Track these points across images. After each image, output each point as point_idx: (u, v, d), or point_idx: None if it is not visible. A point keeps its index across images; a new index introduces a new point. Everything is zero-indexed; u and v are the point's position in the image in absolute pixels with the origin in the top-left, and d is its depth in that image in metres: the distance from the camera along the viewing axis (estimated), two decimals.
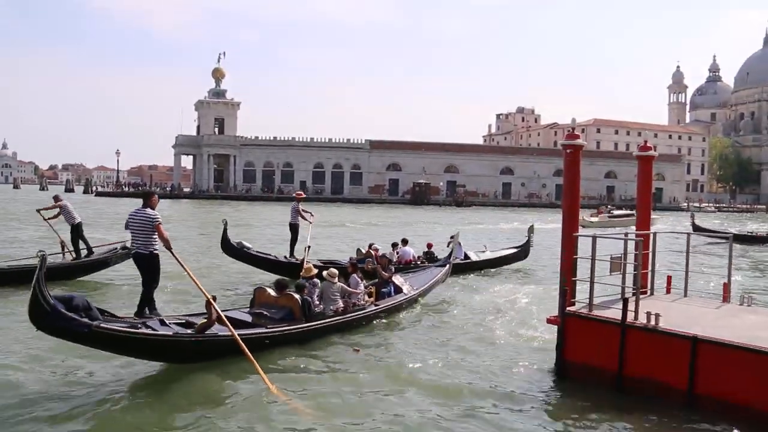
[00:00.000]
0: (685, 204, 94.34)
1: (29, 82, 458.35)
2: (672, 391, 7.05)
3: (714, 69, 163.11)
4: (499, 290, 14.53)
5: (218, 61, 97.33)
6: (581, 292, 8.56)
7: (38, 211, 15.19)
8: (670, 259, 14.95)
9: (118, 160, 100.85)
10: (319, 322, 9.42)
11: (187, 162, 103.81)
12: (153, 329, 7.79)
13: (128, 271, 15.22)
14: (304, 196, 18.53)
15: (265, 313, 9.14)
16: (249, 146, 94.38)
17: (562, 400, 7.57)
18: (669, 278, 9.97)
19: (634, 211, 10.94)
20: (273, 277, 12.77)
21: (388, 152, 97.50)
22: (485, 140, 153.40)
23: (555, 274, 9.53)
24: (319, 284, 10.21)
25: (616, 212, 49.10)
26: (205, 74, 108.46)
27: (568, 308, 8.19)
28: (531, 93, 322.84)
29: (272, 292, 9.45)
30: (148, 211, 9.11)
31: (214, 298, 8.06)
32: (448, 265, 14.14)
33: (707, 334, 7.01)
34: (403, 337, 10.05)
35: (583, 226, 40.43)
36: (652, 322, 7.38)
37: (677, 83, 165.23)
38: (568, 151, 9.01)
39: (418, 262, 16.24)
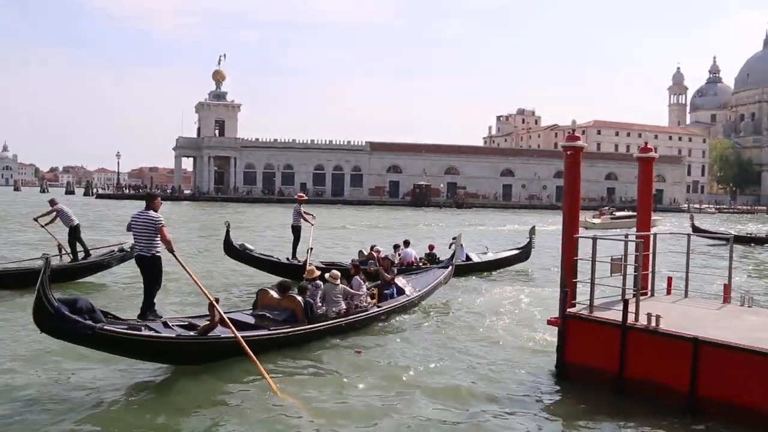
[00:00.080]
0: (686, 205, 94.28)
1: (29, 84, 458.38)
2: (673, 393, 7.05)
3: (714, 70, 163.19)
4: (501, 292, 14.56)
5: (219, 64, 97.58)
6: (582, 293, 8.59)
7: (35, 219, 15.12)
8: (670, 260, 14.98)
9: (118, 162, 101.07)
10: (321, 323, 9.44)
11: (187, 164, 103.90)
12: (156, 331, 7.81)
13: (126, 272, 15.33)
14: (306, 198, 18.58)
15: (267, 315, 9.17)
16: (249, 148, 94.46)
17: (562, 401, 7.59)
18: (669, 279, 9.98)
19: (635, 213, 10.96)
20: (275, 279, 12.80)
21: (389, 154, 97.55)
22: (485, 142, 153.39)
23: (556, 275, 9.56)
24: (322, 286, 10.23)
25: (618, 214, 49.17)
26: (206, 76, 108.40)
27: (568, 310, 8.20)
28: (531, 94, 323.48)
29: (275, 294, 9.48)
30: (151, 213, 9.13)
31: (217, 300, 8.09)
32: (450, 267, 14.16)
33: (708, 335, 7.01)
34: (405, 339, 10.08)
35: (586, 228, 40.60)
36: (653, 324, 7.39)
37: (677, 84, 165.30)
38: (568, 152, 9.03)
39: (420, 264, 16.29)
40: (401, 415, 6.89)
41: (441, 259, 16.62)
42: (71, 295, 7.51)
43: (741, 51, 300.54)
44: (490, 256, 18.81)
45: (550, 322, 8.77)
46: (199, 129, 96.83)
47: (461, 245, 15.97)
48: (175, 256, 8.72)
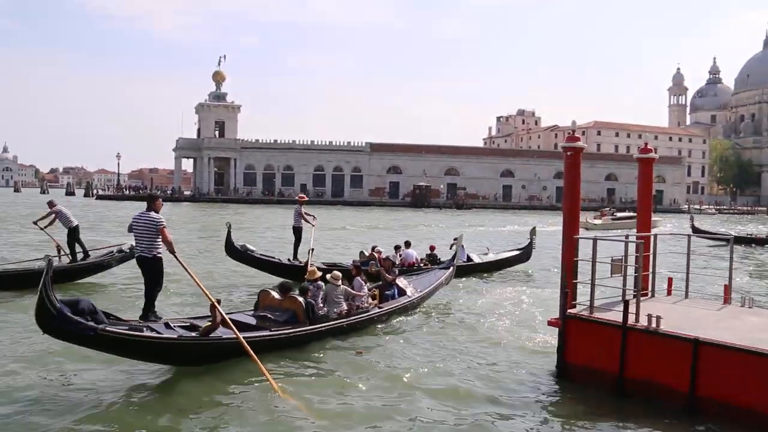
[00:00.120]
0: (686, 206, 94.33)
1: (29, 85, 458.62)
2: (673, 394, 7.05)
3: (714, 71, 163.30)
4: (502, 292, 14.58)
5: (219, 65, 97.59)
6: (582, 294, 8.60)
7: (35, 222, 15.11)
8: (670, 261, 14.99)
9: (118, 164, 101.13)
10: (322, 324, 9.46)
11: (187, 165, 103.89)
12: (158, 332, 7.83)
13: (125, 273, 15.36)
14: (307, 199, 18.61)
15: (269, 315, 9.19)
16: (249, 149, 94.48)
17: (562, 402, 7.60)
18: (670, 280, 9.99)
19: (636, 214, 10.97)
20: (276, 280, 12.82)
21: (389, 155, 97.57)
22: (485, 143, 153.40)
23: (557, 276, 9.58)
24: (323, 287, 10.25)
25: (620, 214, 49.25)
26: (206, 77, 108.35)
27: (568, 310, 8.21)
28: (531, 95, 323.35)
29: (276, 295, 9.50)
30: (153, 214, 9.13)
31: (219, 302, 8.11)
32: (452, 268, 14.18)
33: (709, 336, 7.02)
34: (407, 339, 10.10)
35: (587, 228, 40.67)
36: (653, 325, 7.39)
37: (677, 85, 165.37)
38: (568, 153, 9.04)
39: (421, 264, 16.31)
40: (402, 416, 6.91)
41: (442, 259, 16.64)
42: (73, 297, 7.51)
43: (741, 52, 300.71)
44: (491, 257, 18.83)
45: (550, 323, 8.78)
46: (199, 130, 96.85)
47: (462, 246, 15.98)
48: (176, 257, 8.73)
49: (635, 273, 8.31)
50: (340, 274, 10.50)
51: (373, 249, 15.63)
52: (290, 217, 17.42)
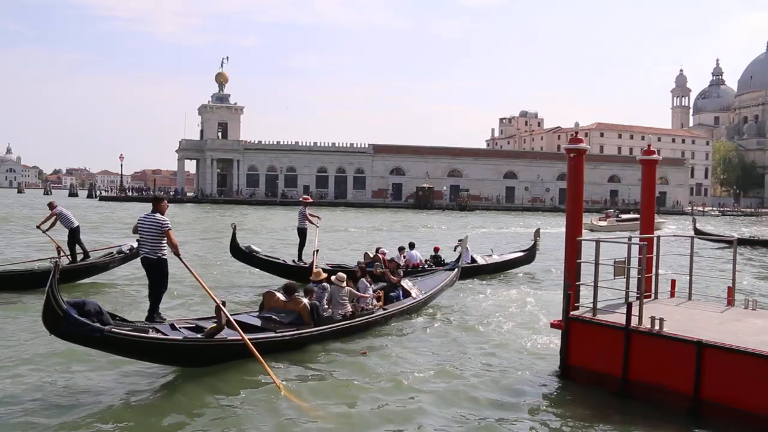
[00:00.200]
0: (689, 208, 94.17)
1: (33, 86, 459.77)
2: (677, 397, 7.04)
3: (717, 72, 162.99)
4: (506, 294, 14.58)
5: (221, 66, 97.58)
6: (586, 296, 8.61)
7: (38, 227, 15.13)
8: (673, 263, 15.02)
9: (121, 165, 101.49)
10: (327, 326, 9.50)
11: (190, 166, 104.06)
12: (163, 334, 7.88)
13: (125, 273, 15.42)
14: (311, 200, 18.63)
15: (274, 317, 9.22)
16: (252, 151, 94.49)
17: (566, 404, 7.61)
18: (673, 282, 9.98)
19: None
20: (281, 281, 12.86)
21: (392, 156, 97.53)
22: (488, 144, 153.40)
23: (561, 277, 9.59)
24: (329, 288, 10.27)
25: (624, 216, 49.26)
26: (209, 79, 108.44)
27: (571, 312, 8.22)
28: (534, 97, 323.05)
29: (281, 297, 9.53)
30: (158, 216, 9.16)
31: (224, 303, 8.16)
32: (456, 269, 14.20)
33: (712, 338, 7.01)
34: (411, 341, 10.13)
35: (592, 230, 40.73)
36: (657, 327, 7.38)
37: (680, 87, 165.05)
38: (571, 155, 9.05)
39: (426, 266, 16.33)
40: (406, 417, 6.95)
41: (446, 261, 16.66)
42: (79, 298, 7.56)
43: (744, 53, 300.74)
44: (495, 259, 18.82)
45: (553, 325, 8.79)
46: (202, 131, 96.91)
47: (467, 247, 15.99)
48: (181, 259, 8.75)
49: (638, 275, 8.29)
50: (344, 276, 10.52)
51: (377, 250, 15.65)
52: (294, 218, 17.49)
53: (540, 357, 9.29)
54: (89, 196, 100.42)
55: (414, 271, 15.27)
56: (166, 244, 9.16)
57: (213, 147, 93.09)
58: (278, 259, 15.94)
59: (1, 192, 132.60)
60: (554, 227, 38.66)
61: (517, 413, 7.21)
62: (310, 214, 16.86)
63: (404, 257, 16.21)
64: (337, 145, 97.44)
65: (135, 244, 14.45)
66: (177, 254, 8.85)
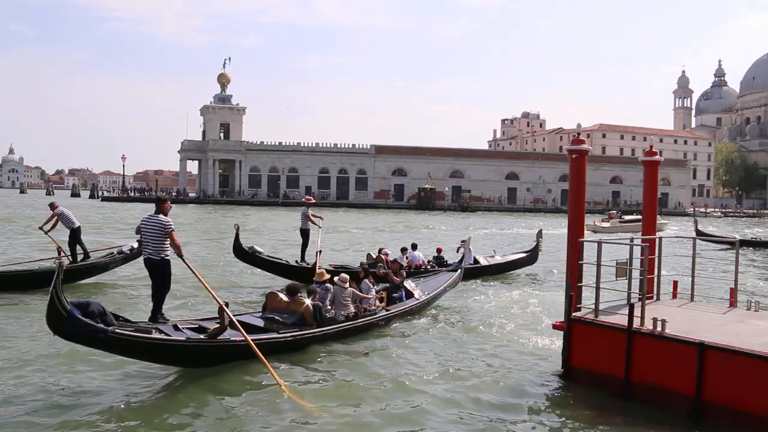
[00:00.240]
0: (691, 209, 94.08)
1: (35, 87, 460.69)
2: (679, 398, 7.04)
3: (720, 74, 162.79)
4: (508, 295, 14.60)
5: (224, 67, 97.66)
6: (588, 298, 8.62)
7: (41, 228, 15.15)
8: (675, 264, 15.03)
9: (123, 165, 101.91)
10: (330, 327, 9.52)
11: (192, 167, 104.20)
12: (166, 334, 7.91)
13: (125, 273, 15.46)
14: (314, 201, 18.66)
15: (277, 318, 9.25)
16: (254, 151, 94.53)
17: (568, 405, 7.62)
18: (675, 283, 9.98)
19: None
20: (284, 282, 12.89)
21: (394, 157, 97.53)
22: (490, 145, 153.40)
23: (563, 278, 9.60)
24: (332, 289, 10.29)
25: (627, 217, 49.32)
26: (211, 79, 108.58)
27: (573, 314, 8.23)
28: (536, 98, 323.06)
29: (284, 298, 9.55)
30: (161, 217, 9.18)
31: (227, 304, 8.18)
32: (459, 270, 14.21)
33: (714, 339, 7.00)
34: (413, 341, 10.14)
35: (595, 231, 40.78)
36: (659, 328, 7.38)
37: (683, 88, 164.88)
38: (573, 156, 9.05)
39: (428, 267, 16.34)
40: (409, 417, 6.97)
41: (448, 261, 16.68)
42: (83, 299, 7.59)
43: (747, 54, 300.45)
44: (498, 260, 18.82)
45: (555, 327, 8.80)
46: (204, 132, 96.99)
47: (470, 248, 16.01)
48: (184, 260, 8.79)
49: (640, 276, 8.28)
50: (347, 277, 10.54)
51: (380, 251, 15.68)
52: (296, 219, 17.54)
53: (542, 358, 9.31)
54: (91, 196, 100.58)
55: (417, 271, 15.29)
56: (169, 245, 9.18)
57: (215, 147, 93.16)
58: (281, 259, 15.97)
59: (3, 192, 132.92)
60: (556, 228, 38.66)
61: (519, 414, 7.22)
62: (312, 215, 16.90)
63: (407, 258, 16.23)
64: (339, 145, 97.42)
65: (135, 245, 14.52)
66: (180, 255, 8.88)
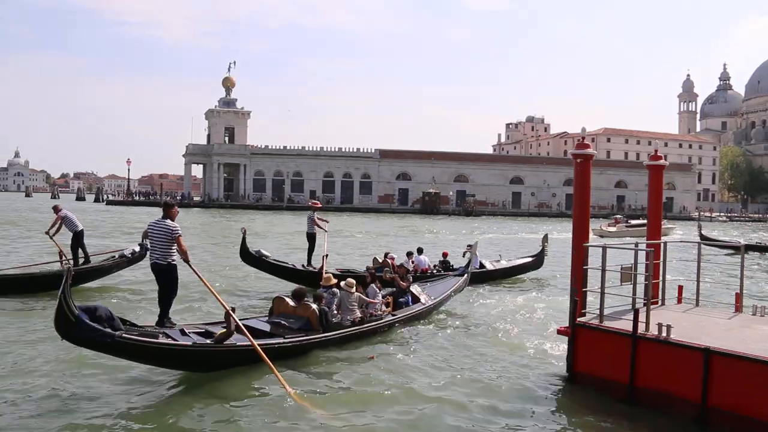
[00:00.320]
0: (696, 213, 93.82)
1: (41, 91, 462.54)
2: (685, 404, 7.02)
3: (724, 77, 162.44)
4: (514, 300, 14.60)
5: (229, 71, 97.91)
6: (593, 303, 8.62)
7: (47, 233, 15.18)
8: (680, 269, 15.00)
9: (128, 169, 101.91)
10: (336, 332, 9.55)
11: (197, 171, 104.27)
12: (173, 339, 7.96)
13: (128, 277, 15.50)
14: (320, 205, 18.68)
15: (283, 322, 9.28)
16: (259, 155, 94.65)
17: (572, 411, 7.61)
18: (680, 288, 9.96)
19: None
20: (291, 286, 12.91)
21: (398, 161, 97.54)
22: (495, 149, 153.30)
23: (568, 283, 9.61)
24: (338, 294, 10.31)
25: (634, 222, 49.32)
26: (216, 83, 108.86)
27: (578, 319, 8.23)
28: (541, 102, 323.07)
29: (291, 302, 9.59)
30: (168, 222, 9.22)
31: (233, 310, 8.23)
32: (466, 275, 14.21)
33: (720, 345, 6.99)
34: (419, 346, 10.16)
35: (601, 236, 40.74)
36: (664, 334, 7.37)
37: (687, 92, 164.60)
38: (578, 160, 9.07)
39: (434, 271, 16.35)
40: (414, 422, 6.99)
41: (454, 266, 16.68)
42: (91, 303, 7.64)
43: (752, 58, 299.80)
44: (504, 264, 18.81)
45: (560, 332, 8.81)
46: (209, 136, 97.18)
47: (476, 253, 16.00)
48: (190, 266, 8.83)
49: (645, 281, 8.28)
50: (354, 282, 10.56)
51: (386, 255, 15.70)
52: (301, 223, 17.57)
53: (547, 363, 9.31)
54: (96, 200, 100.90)
55: (423, 276, 15.29)
56: (175, 250, 9.22)
57: (220, 151, 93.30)
58: (288, 263, 16.01)
59: (9, 196, 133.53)
60: (561, 233, 38.61)
61: (524, 419, 7.23)
62: (318, 218, 16.93)
63: (412, 262, 16.24)
64: (343, 150, 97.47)
65: (137, 248, 14.57)
66: (186, 261, 8.92)
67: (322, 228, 16.73)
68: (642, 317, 7.63)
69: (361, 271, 14.49)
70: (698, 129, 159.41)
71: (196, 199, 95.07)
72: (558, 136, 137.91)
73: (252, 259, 15.21)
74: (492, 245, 30.93)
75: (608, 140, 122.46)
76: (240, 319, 8.46)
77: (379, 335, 10.40)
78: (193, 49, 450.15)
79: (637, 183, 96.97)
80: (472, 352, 9.95)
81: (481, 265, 17.54)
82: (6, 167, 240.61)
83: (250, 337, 8.03)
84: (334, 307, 10.08)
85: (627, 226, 47.24)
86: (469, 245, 16.57)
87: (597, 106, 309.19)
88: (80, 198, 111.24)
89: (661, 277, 9.42)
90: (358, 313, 10.28)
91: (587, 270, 8.45)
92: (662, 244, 9.58)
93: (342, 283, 10.41)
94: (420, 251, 17.14)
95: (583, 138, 9.48)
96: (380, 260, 15.34)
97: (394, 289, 12.21)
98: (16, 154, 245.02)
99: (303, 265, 16.13)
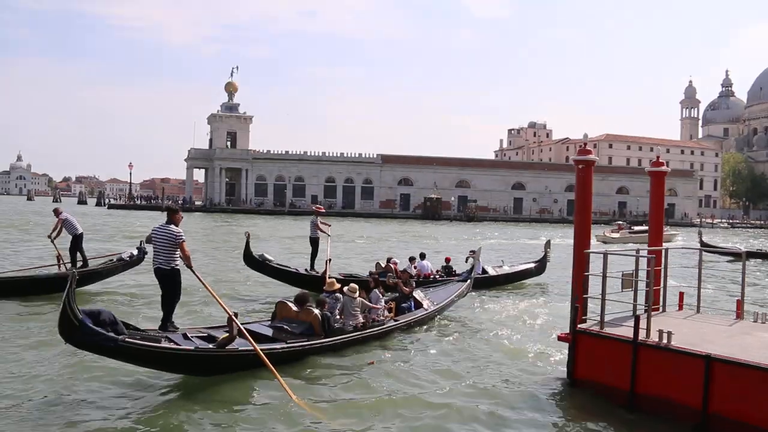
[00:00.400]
0: (698, 220, 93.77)
1: (44, 96, 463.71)
2: (685, 411, 7.01)
3: (727, 84, 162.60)
4: (516, 306, 14.60)
5: (231, 75, 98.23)
6: (594, 309, 8.64)
7: (49, 236, 15.15)
8: (683, 275, 14.99)
9: (130, 173, 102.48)
10: (338, 337, 9.57)
11: (199, 175, 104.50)
12: (176, 343, 7.99)
13: (128, 281, 15.53)
14: (324, 210, 18.72)
15: (285, 327, 9.31)
16: (261, 160, 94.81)
17: (573, 417, 7.60)
18: (681, 295, 9.95)
19: None
20: (293, 290, 12.94)
21: (400, 167, 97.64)
22: (497, 155, 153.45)
23: (570, 289, 9.64)
24: (341, 299, 10.33)
25: (637, 228, 49.44)
26: (218, 88, 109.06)
27: (579, 325, 8.23)
28: (543, 108, 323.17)
29: (293, 307, 9.62)
30: (172, 227, 9.25)
31: (236, 314, 8.26)
32: (469, 280, 14.23)
33: (721, 352, 6.98)
34: (420, 352, 10.16)
35: (605, 242, 40.79)
36: (665, 340, 7.37)
37: (690, 98, 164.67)
38: (580, 166, 9.09)
39: (437, 276, 16.37)
40: (416, 428, 7.01)
41: (457, 271, 16.69)
42: (94, 307, 7.68)
43: (754, 64, 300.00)
44: (506, 270, 18.78)
45: (560, 338, 8.82)
46: (211, 140, 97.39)
47: (479, 259, 16.02)
48: (193, 271, 8.86)
49: (646, 287, 8.29)
50: (357, 287, 10.58)
51: (389, 260, 15.73)
52: (303, 228, 17.64)
53: (548, 369, 9.31)
54: (98, 204, 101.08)
55: (426, 281, 15.31)
56: (179, 255, 9.26)
57: (222, 156, 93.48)
58: (291, 267, 16.04)
59: (11, 199, 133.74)
60: (563, 239, 38.63)
61: (524, 426, 7.23)
62: (321, 222, 16.98)
63: (415, 267, 16.27)
64: (345, 155, 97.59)
65: (135, 252, 14.60)
66: (189, 266, 8.95)
67: (325, 232, 16.77)
68: (643, 324, 7.63)
69: (363, 275, 14.51)
70: (700, 135, 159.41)
71: (197, 203, 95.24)
72: (560, 142, 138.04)
73: (255, 263, 15.24)
74: (493, 251, 30.96)
75: (610, 146, 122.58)
76: (242, 324, 8.49)
77: (382, 341, 10.41)
78: (196, 54, 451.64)
79: (639, 189, 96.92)
80: (474, 358, 9.97)
81: (484, 271, 17.53)
82: (8, 170, 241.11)
83: (252, 341, 8.06)
84: (337, 312, 10.10)
85: (630, 233, 47.34)
86: (472, 251, 16.59)
87: (599, 112, 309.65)
88: (82, 202, 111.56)
89: (662, 284, 9.42)
90: (361, 319, 10.30)
91: (588, 276, 8.47)
92: (663, 251, 9.59)
93: (345, 289, 10.42)
94: (423, 256, 17.17)
95: (585, 144, 9.52)
96: (383, 265, 15.37)
97: (397, 294, 12.23)
98: (19, 158, 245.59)
99: (306, 270, 16.17)
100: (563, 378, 8.55)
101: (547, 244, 19.87)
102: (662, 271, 9.37)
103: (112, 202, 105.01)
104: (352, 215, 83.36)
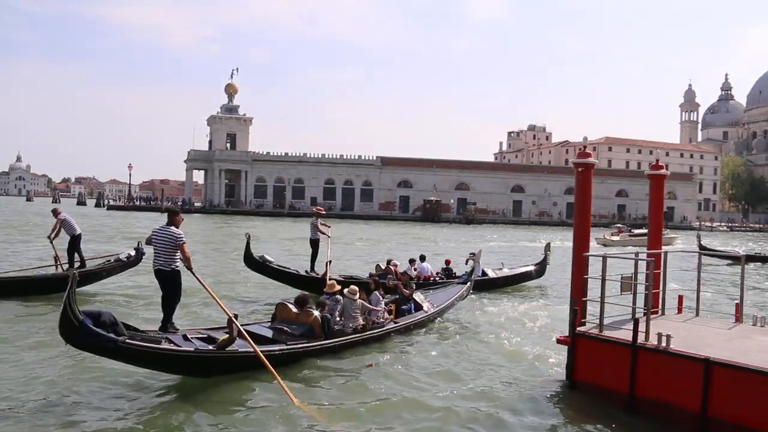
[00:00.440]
0: (697, 223, 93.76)
1: (43, 97, 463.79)
2: (684, 414, 7.02)
3: (726, 87, 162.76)
4: (515, 308, 14.61)
5: (231, 77, 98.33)
6: (593, 312, 8.65)
7: (48, 237, 15.12)
8: (682, 278, 15.03)
9: (130, 174, 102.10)
10: (338, 339, 9.58)
11: (198, 177, 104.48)
12: (176, 344, 8.00)
13: (126, 282, 15.54)
14: (324, 212, 18.72)
15: (285, 329, 9.33)
16: (260, 162, 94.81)
17: (572, 420, 7.60)
18: (680, 298, 9.96)
19: None
20: (294, 291, 12.94)
21: (399, 169, 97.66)
22: (496, 158, 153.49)
23: (569, 292, 9.64)
24: (341, 300, 10.34)
25: (637, 231, 49.49)
26: (218, 90, 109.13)
27: (578, 328, 8.24)
28: (542, 111, 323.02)
29: (293, 309, 9.63)
30: (173, 229, 9.27)
31: (236, 316, 8.27)
32: (469, 283, 14.23)
33: (720, 355, 6.99)
34: (420, 354, 10.17)
35: (605, 245, 40.79)
36: (664, 343, 7.38)
37: (689, 102, 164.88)
38: (579, 169, 9.11)
39: (437, 278, 16.37)
40: (415, 429, 7.01)
41: (457, 273, 16.70)
42: (95, 309, 7.69)
43: (754, 68, 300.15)
44: (506, 272, 18.77)
45: (559, 341, 8.83)
46: (210, 142, 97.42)
47: (479, 261, 16.02)
48: (193, 273, 8.87)
49: (645, 291, 8.29)
50: (357, 289, 10.60)
51: (389, 262, 15.74)
52: (303, 229, 17.65)
53: (547, 372, 9.32)
54: (97, 205, 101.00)
55: (426, 283, 15.32)
56: (179, 257, 9.27)
57: (221, 158, 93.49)
58: (291, 269, 16.05)
59: (10, 200, 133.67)
60: (562, 241, 38.64)
61: (523, 429, 7.23)
62: (321, 224, 16.99)
63: (415, 269, 16.29)
64: (344, 157, 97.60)
65: (133, 252, 14.59)
66: (189, 268, 8.96)
67: (325, 234, 16.78)
68: (642, 327, 7.64)
69: (364, 277, 14.52)
70: (700, 139, 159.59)
71: (197, 204, 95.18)
72: (559, 145, 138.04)
73: (256, 264, 15.26)
74: (493, 253, 30.95)
75: (609, 149, 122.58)
76: (242, 325, 8.50)
77: (382, 342, 10.42)
78: (196, 56, 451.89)
79: (638, 192, 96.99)
80: (474, 360, 9.98)
81: (484, 273, 17.54)
82: (8, 171, 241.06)
83: (252, 343, 8.07)
84: (337, 314, 10.11)
85: (630, 236, 47.35)
86: (472, 253, 16.60)
87: (599, 114, 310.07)
88: (81, 203, 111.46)
89: (661, 287, 9.43)
90: (361, 321, 10.31)
91: (587, 279, 8.48)
92: (662, 254, 9.60)
93: (345, 290, 10.44)
94: (423, 258, 17.18)
95: (585, 147, 9.53)
96: (383, 267, 15.38)
97: (397, 296, 12.24)
98: (18, 159, 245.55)
99: (306, 271, 16.18)
100: (562, 381, 8.57)
101: (547, 246, 19.88)
102: (661, 274, 9.37)
103: (112, 203, 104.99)
104: (352, 217, 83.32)
